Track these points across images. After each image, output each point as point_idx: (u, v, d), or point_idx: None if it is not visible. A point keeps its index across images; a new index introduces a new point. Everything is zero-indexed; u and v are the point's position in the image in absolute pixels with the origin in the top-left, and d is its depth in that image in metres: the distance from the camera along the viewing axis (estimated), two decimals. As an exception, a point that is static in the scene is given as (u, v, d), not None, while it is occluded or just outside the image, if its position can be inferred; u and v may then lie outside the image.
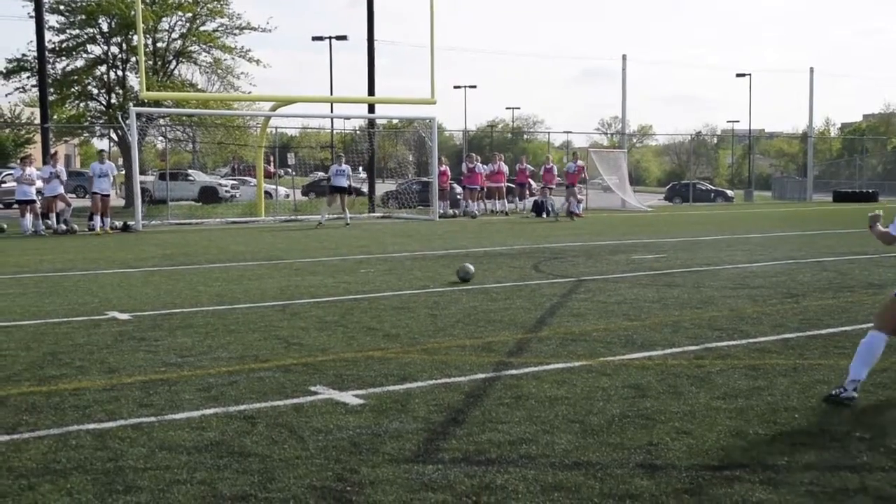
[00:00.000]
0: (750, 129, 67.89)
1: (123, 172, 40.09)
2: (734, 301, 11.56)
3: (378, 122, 41.61)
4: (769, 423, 6.09)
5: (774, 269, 15.17)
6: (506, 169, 37.47)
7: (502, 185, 37.28)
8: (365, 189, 40.07)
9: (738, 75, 65.22)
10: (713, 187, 60.68)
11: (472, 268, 12.65)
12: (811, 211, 40.17)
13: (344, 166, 29.45)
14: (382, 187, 42.91)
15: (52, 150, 29.93)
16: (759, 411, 6.39)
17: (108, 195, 26.06)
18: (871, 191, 52.32)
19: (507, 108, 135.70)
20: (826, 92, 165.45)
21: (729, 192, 59.06)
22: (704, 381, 7.26)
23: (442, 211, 33.67)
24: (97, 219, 25.31)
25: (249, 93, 41.57)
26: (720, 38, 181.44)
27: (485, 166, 36.86)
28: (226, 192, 46.47)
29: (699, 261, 16.65)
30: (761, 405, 6.54)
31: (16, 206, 26.66)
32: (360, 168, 42.20)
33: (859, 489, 4.92)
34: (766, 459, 5.39)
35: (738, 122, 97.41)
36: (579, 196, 36.64)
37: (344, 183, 29.14)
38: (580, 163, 34.87)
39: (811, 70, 55.55)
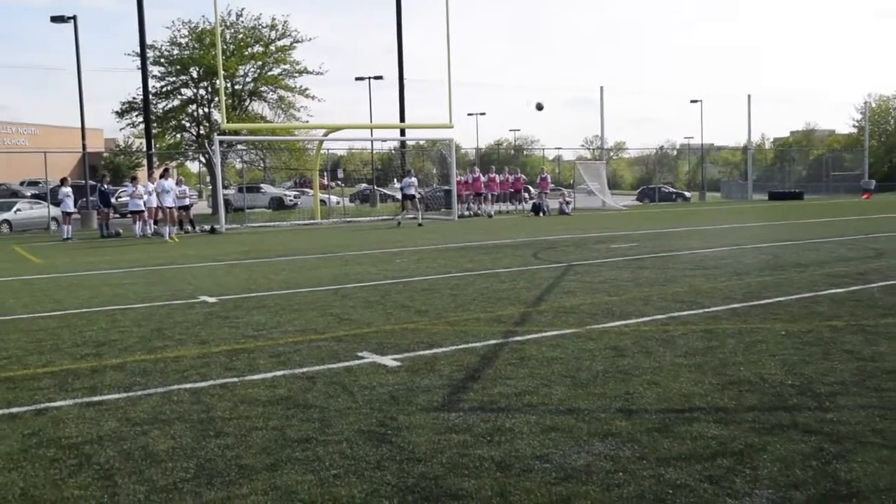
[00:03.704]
0: (702, 144, 67.33)
1: (210, 187, 40.25)
2: (692, 279, 11.47)
3: (408, 143, 41.58)
4: (720, 375, 6.04)
5: (723, 254, 15.07)
6: (523, 177, 37.54)
7: (513, 190, 37.42)
8: (399, 196, 40.08)
9: (692, 101, 64.59)
10: (674, 190, 60.20)
11: None
12: (751, 208, 39.86)
13: (412, 178, 29.61)
14: (413, 194, 42.93)
15: (164, 167, 29.54)
16: (713, 365, 6.34)
17: (170, 207, 24.75)
18: (797, 191, 51.89)
19: (510, 130, 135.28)
20: (761, 112, 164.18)
21: (686, 194, 58.62)
22: (669, 343, 7.21)
23: (460, 212, 33.64)
24: (165, 228, 24.10)
25: (307, 122, 41.59)
26: (676, 70, 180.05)
27: (500, 176, 36.85)
28: (290, 201, 46.57)
29: (664, 248, 16.55)
30: (714, 361, 6.49)
31: (129, 215, 26.76)
32: (395, 180, 42.25)
33: (791, 425, 4.88)
34: (718, 403, 5.35)
35: (692, 137, 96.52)
36: (568, 198, 36.48)
37: (412, 192, 29.25)
38: None
39: (749, 97, 55.04)
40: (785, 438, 4.63)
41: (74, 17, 32.39)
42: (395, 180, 43.39)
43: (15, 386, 6.25)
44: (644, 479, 4.10)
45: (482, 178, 35.47)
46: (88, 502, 3.99)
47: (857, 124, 74.15)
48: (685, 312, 8.76)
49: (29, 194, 40.12)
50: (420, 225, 27.81)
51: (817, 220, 26.30)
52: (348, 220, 32.17)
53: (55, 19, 32.53)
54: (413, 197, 29.52)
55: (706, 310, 8.91)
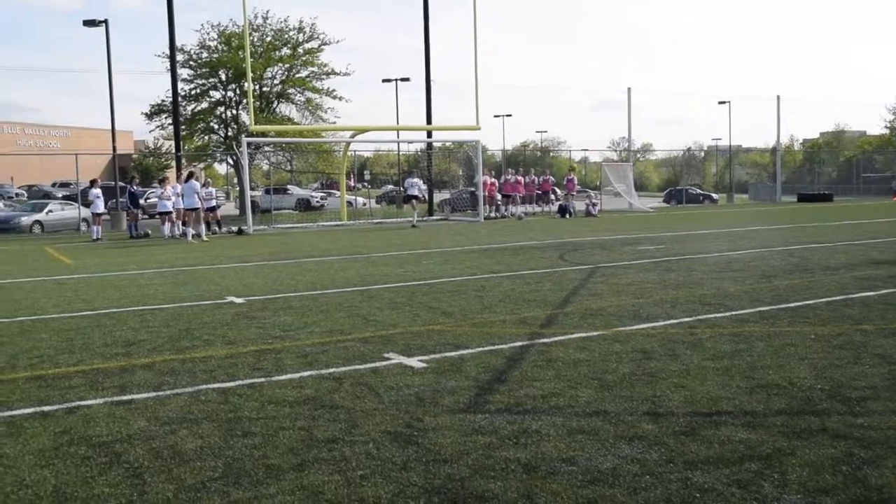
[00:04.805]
0: (730, 145, 66.90)
1: (238, 189, 40.59)
2: (720, 282, 11.39)
3: (434, 144, 41.59)
4: (748, 378, 5.99)
5: (751, 256, 14.94)
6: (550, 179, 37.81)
7: (538, 193, 37.42)
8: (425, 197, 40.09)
9: (720, 102, 64.12)
10: (702, 192, 59.70)
11: None
12: (780, 210, 39.52)
13: (415, 179, 29.72)
14: (439, 196, 42.90)
15: (189, 170, 29.59)
16: (741, 369, 6.29)
17: (192, 209, 24.31)
18: (827, 193, 51.40)
19: (536, 132, 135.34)
20: (790, 114, 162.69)
21: (714, 196, 58.08)
22: (697, 346, 7.16)
23: (487, 213, 33.59)
24: (188, 229, 24.07)
25: (334, 123, 41.72)
26: (704, 71, 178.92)
27: (526, 177, 36.77)
28: (316, 202, 46.78)
29: (691, 250, 16.45)
30: (742, 364, 6.44)
31: (157, 216, 27.01)
32: (421, 181, 42.37)
33: (820, 429, 4.83)
34: (746, 407, 5.31)
35: (720, 139, 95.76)
36: (594, 200, 36.36)
37: (415, 192, 29.32)
38: None
39: (778, 98, 54.63)
40: (814, 443, 4.59)
41: (105, 21, 32.77)
42: (422, 181, 43.60)
43: (47, 385, 6.33)
44: (671, 482, 4.08)
45: (511, 180, 35.46)
46: (118, 500, 4.03)
47: (888, 125, 73.18)
48: (712, 315, 8.70)
49: (60, 195, 40.63)
50: (413, 226, 27.82)
51: (847, 222, 26.03)
52: (375, 221, 32.25)
53: (87, 23, 32.92)
54: (416, 197, 29.58)
55: (734, 313, 8.85)
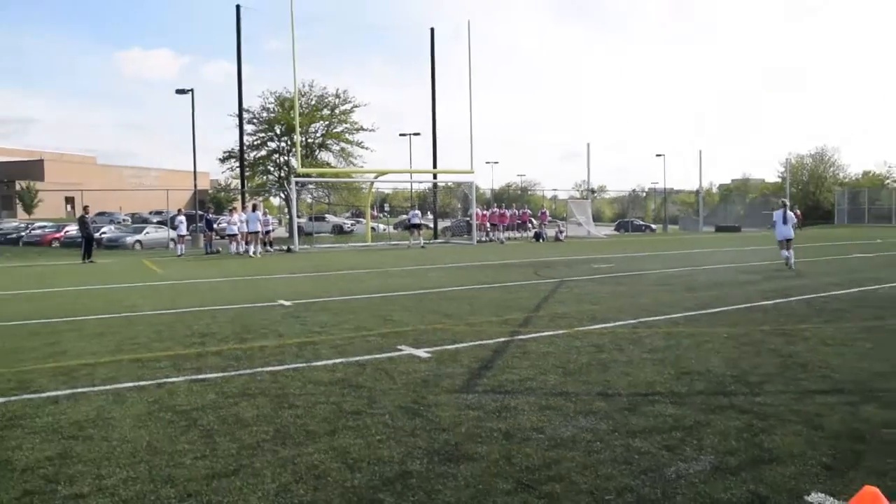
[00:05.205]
0: (665, 188, 66.79)
1: (288, 217, 40.62)
2: (657, 293, 11.41)
3: (439, 184, 41.62)
4: (677, 367, 6.01)
5: (681, 273, 14.96)
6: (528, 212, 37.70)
7: (519, 222, 37.33)
8: (431, 225, 40.03)
9: (657, 155, 64.26)
10: (643, 223, 59.51)
11: None
12: (702, 238, 39.50)
13: (417, 211, 29.74)
14: (442, 223, 42.90)
15: (252, 203, 29.60)
16: (671, 360, 6.31)
17: (255, 232, 24.65)
18: (737, 225, 51.53)
19: (517, 175, 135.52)
20: (710, 162, 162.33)
21: (653, 226, 57.90)
22: (638, 342, 7.18)
23: (479, 238, 33.58)
24: (250, 247, 24.34)
25: (362, 167, 41.76)
26: (643, 128, 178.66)
27: (509, 210, 36.85)
28: (348, 227, 46.76)
29: (636, 268, 16.45)
30: (672, 356, 6.46)
31: (226, 237, 27.02)
32: (428, 212, 42.32)
33: (729, 406, 4.85)
34: (674, 389, 5.33)
35: (657, 183, 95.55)
36: (562, 228, 36.35)
37: (417, 221, 29.32)
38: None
39: (700, 152, 54.72)
40: (724, 416, 4.61)
41: (192, 90, 32.88)
42: (428, 212, 43.50)
43: (142, 365, 6.37)
44: (616, 447, 4.11)
45: (497, 212, 35.56)
46: (195, 454, 4.06)
47: (780, 175, 73.28)
48: (651, 318, 8.71)
49: (154, 221, 40.69)
50: (423, 247, 27.78)
51: (752, 248, 26.03)
52: (393, 243, 32.23)
53: (178, 91, 33.03)
54: (418, 226, 29.53)
55: (667, 316, 8.86)
